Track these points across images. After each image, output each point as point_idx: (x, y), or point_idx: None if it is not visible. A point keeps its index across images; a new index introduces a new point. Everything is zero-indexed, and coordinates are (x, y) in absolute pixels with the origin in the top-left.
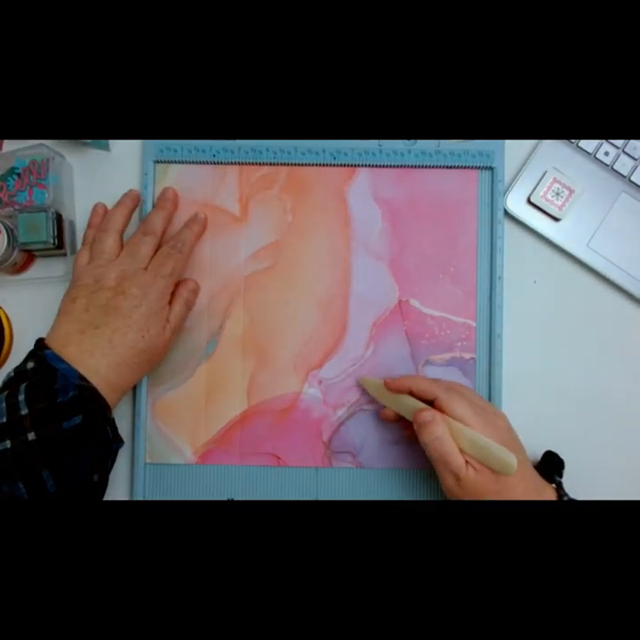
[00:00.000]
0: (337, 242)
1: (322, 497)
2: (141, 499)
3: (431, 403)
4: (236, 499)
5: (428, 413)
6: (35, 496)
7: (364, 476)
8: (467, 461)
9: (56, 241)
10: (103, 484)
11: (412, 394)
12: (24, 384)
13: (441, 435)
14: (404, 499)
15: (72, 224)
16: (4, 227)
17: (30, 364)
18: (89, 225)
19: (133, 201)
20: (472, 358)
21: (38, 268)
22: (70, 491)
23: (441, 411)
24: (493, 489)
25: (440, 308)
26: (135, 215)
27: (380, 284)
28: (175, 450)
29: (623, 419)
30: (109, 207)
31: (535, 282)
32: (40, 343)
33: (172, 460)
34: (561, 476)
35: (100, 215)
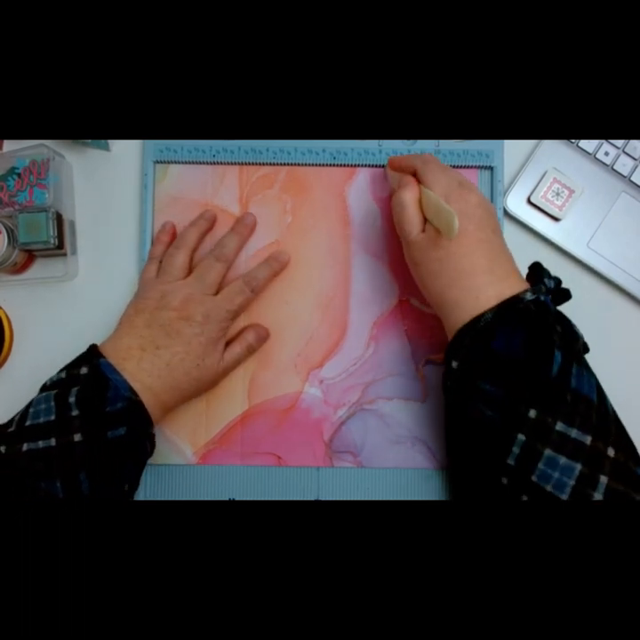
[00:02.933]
0: (337, 242)
1: (323, 497)
2: (142, 499)
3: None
4: (236, 499)
5: (405, 179)
6: (69, 496)
7: (365, 475)
8: (425, 230)
9: (56, 241)
10: (132, 493)
11: (400, 171)
12: (76, 388)
13: (404, 201)
14: (405, 498)
15: (72, 224)
16: (5, 227)
17: (84, 370)
18: (157, 241)
19: (209, 222)
20: None
21: (38, 268)
22: (102, 495)
23: (420, 181)
24: (434, 256)
25: None
26: (134, 208)
27: (380, 284)
28: (176, 450)
29: (623, 418)
30: (109, 207)
31: None
32: (95, 350)
33: (172, 460)
34: (544, 284)
35: (169, 233)
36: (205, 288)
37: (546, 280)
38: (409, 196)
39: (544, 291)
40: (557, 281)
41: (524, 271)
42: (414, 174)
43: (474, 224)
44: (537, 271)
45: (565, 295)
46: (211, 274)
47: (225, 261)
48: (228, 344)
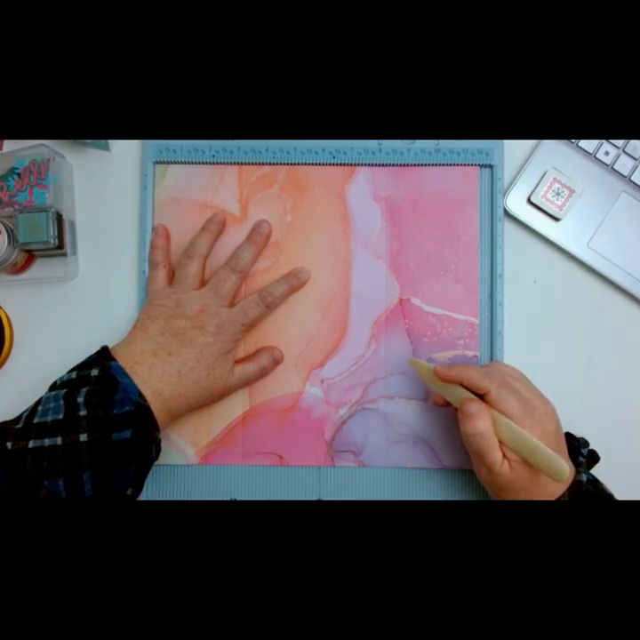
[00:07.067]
0: (337, 241)
1: (324, 496)
2: (144, 499)
3: (482, 396)
4: (238, 499)
5: (475, 406)
6: (71, 496)
7: (367, 474)
8: (504, 455)
9: (56, 241)
10: (135, 497)
11: (463, 385)
12: (85, 388)
13: (483, 431)
14: (407, 498)
15: (72, 224)
16: (5, 227)
17: (94, 372)
18: (154, 246)
19: (219, 226)
20: (475, 356)
21: (38, 268)
22: (104, 498)
23: (491, 405)
24: (523, 486)
25: (442, 305)
26: (134, 208)
27: (381, 283)
28: (177, 451)
29: (623, 418)
30: (109, 207)
31: (535, 282)
32: (106, 352)
33: (174, 460)
34: (582, 457)
35: (164, 236)
36: (220, 299)
37: (582, 450)
38: (486, 424)
39: (584, 468)
40: (588, 448)
41: (524, 271)
42: (483, 394)
43: (558, 451)
44: (572, 444)
45: (596, 458)
46: (226, 285)
47: (240, 272)
48: (241, 361)
